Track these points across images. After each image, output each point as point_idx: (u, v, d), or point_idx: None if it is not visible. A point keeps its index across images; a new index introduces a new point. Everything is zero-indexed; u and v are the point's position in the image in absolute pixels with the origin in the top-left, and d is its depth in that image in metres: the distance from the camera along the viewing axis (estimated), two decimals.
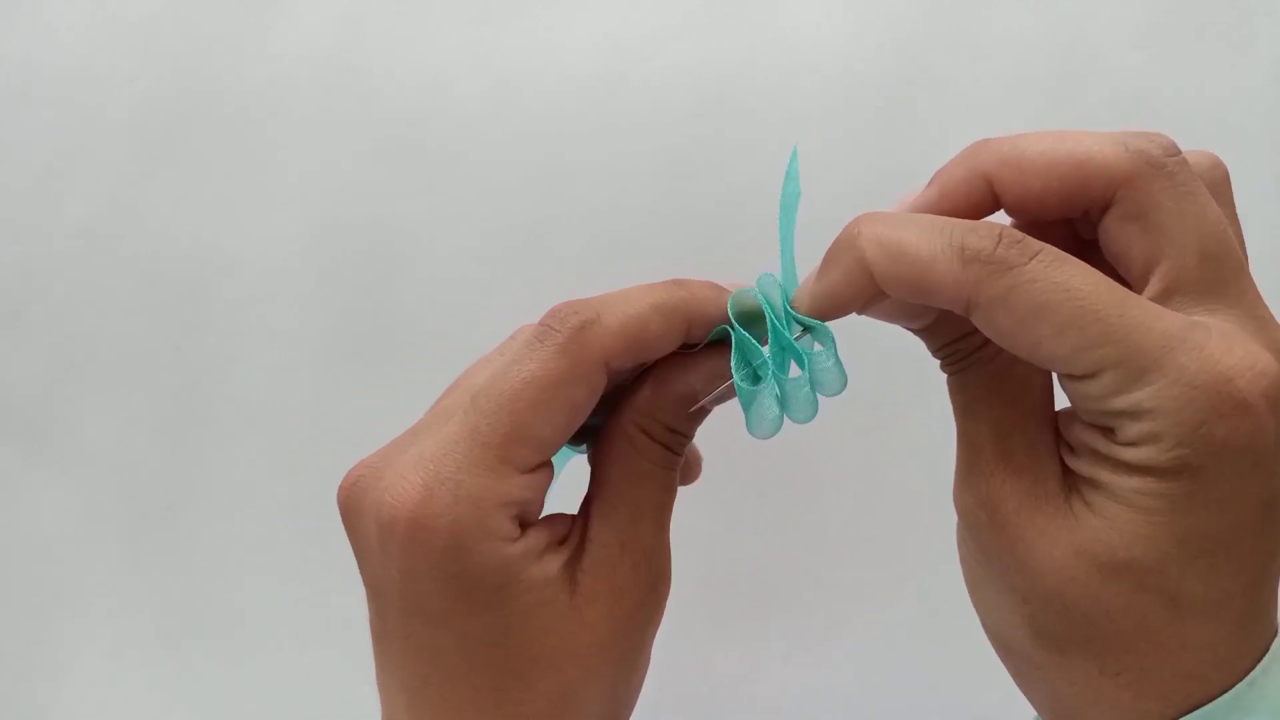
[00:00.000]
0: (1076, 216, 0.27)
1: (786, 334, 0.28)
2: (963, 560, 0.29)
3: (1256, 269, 0.30)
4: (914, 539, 0.59)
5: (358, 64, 0.61)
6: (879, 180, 0.57)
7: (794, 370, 0.29)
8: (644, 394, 0.30)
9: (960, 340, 0.27)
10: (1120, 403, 0.24)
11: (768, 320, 0.28)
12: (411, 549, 0.26)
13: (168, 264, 0.61)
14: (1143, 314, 0.24)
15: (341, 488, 0.28)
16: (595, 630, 0.28)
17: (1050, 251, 0.24)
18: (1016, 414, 0.27)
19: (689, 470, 0.34)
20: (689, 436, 0.31)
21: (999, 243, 0.24)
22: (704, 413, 0.30)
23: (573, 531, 0.29)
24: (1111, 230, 0.26)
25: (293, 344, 0.61)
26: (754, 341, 0.29)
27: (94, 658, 0.62)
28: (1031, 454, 0.26)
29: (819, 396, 0.29)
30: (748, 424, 0.29)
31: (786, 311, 0.28)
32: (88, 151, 0.62)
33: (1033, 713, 0.30)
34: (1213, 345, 0.23)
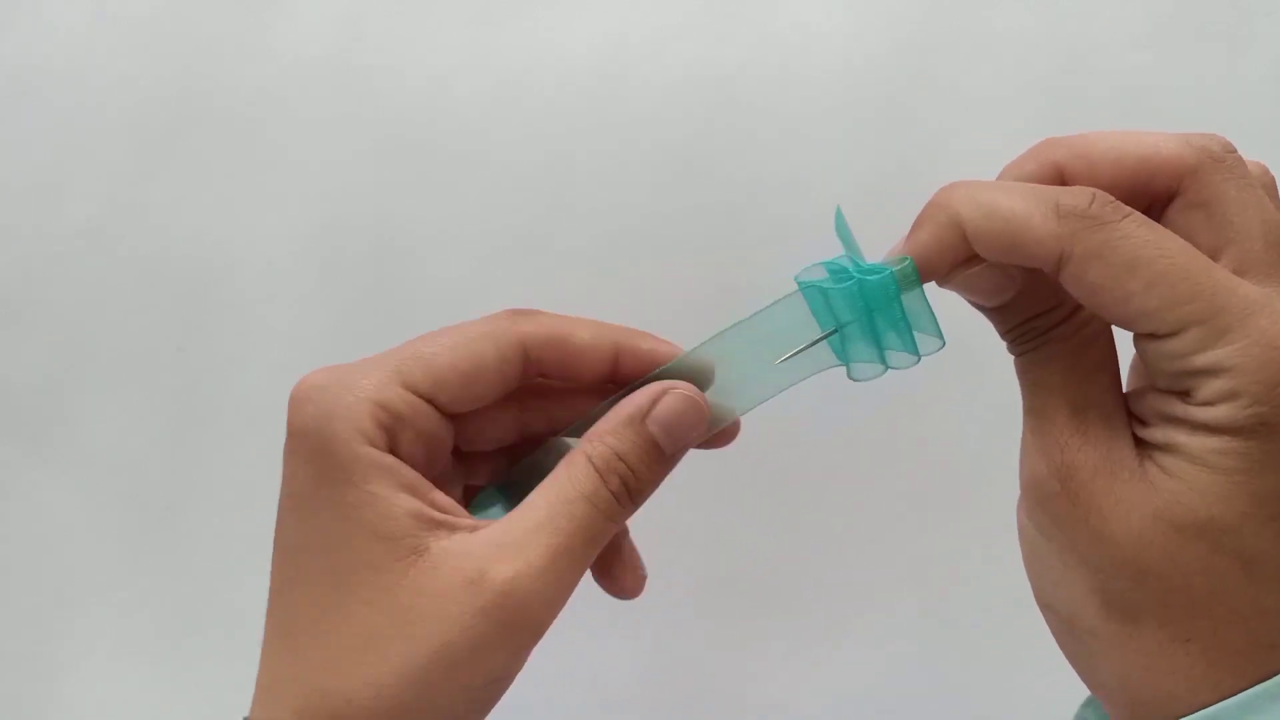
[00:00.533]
0: (1142, 209, 0.27)
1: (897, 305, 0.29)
2: (1025, 538, 0.29)
3: None
4: (915, 539, 0.59)
5: (359, 63, 0.61)
6: (880, 179, 0.57)
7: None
8: (599, 422, 0.30)
9: (1037, 318, 0.28)
10: (1202, 359, 0.25)
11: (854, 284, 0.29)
12: (295, 418, 0.29)
13: (169, 263, 0.61)
14: (1226, 278, 0.25)
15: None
16: (422, 605, 0.27)
17: (1140, 215, 0.26)
18: (1091, 390, 0.27)
19: (629, 582, 0.33)
20: (636, 474, 0.30)
21: (1093, 201, 0.26)
22: (660, 453, 0.30)
23: (467, 520, 0.29)
24: (1177, 220, 0.27)
25: (294, 343, 0.61)
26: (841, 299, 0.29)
27: (95, 656, 0.62)
28: (1107, 426, 0.27)
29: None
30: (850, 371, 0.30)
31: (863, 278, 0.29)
32: (89, 151, 0.62)
33: (1044, 699, 0.30)
34: None
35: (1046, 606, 0.29)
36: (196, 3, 0.62)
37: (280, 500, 0.30)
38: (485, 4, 0.61)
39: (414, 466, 0.29)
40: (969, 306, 0.30)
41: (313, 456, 0.29)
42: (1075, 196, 0.26)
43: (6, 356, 0.62)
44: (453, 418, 0.30)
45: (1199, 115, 0.58)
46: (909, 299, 0.28)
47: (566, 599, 0.29)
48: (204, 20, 0.62)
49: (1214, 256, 0.26)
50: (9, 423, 0.62)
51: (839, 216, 0.29)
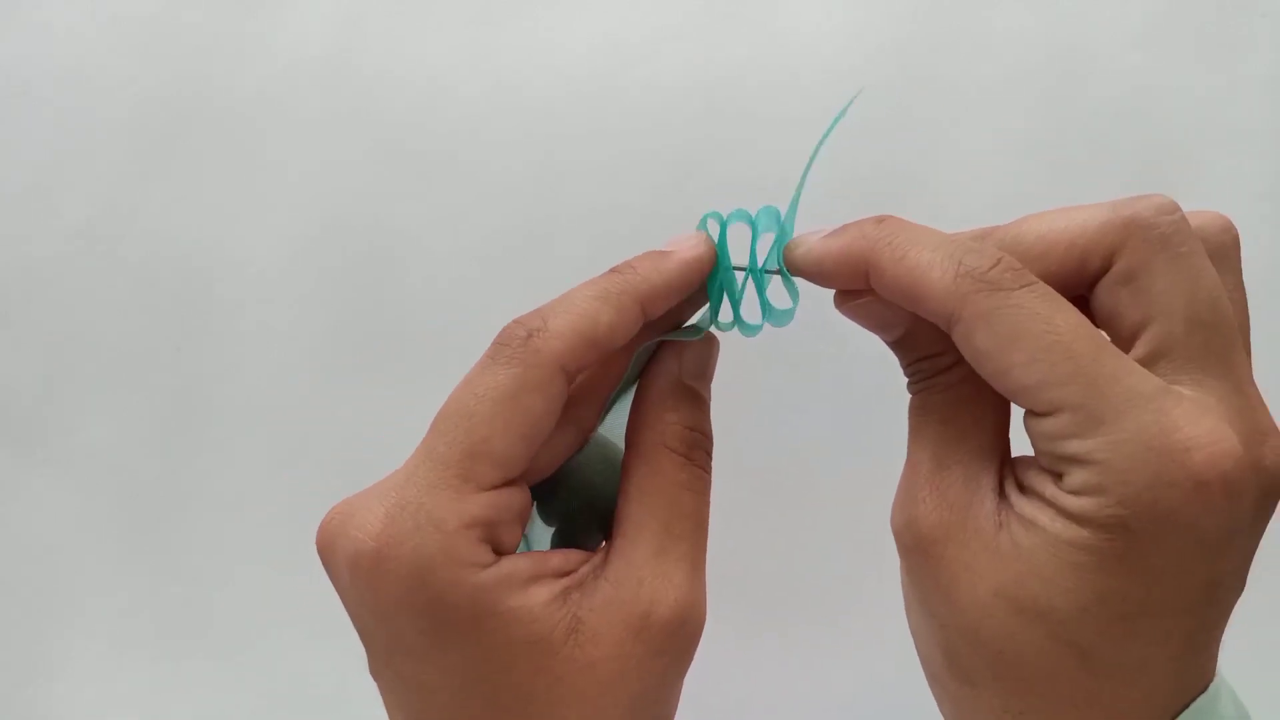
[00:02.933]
0: (1082, 291, 0.27)
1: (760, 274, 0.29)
2: (902, 581, 0.29)
3: (1257, 271, 0.29)
4: None
5: (357, 65, 0.61)
6: (879, 179, 0.57)
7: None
8: (639, 407, 0.29)
9: (924, 360, 0.28)
10: (1072, 447, 0.24)
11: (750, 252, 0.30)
12: (378, 583, 0.25)
13: (166, 265, 0.61)
14: (1116, 366, 0.24)
15: (318, 531, 0.27)
16: (599, 672, 0.26)
17: (1043, 287, 0.25)
18: (960, 449, 0.27)
19: None
20: (705, 434, 0.29)
21: (995, 265, 0.25)
22: (705, 401, 0.30)
23: (584, 567, 0.28)
24: (1103, 296, 0.26)
25: (291, 345, 0.61)
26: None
27: (91, 658, 0.62)
28: (967, 489, 0.26)
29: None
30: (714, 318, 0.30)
31: (778, 246, 0.29)
32: (86, 152, 0.62)
33: None
34: (1180, 412, 0.23)
35: (917, 649, 0.29)
36: (196, 3, 0.62)
37: (376, 648, 0.27)
38: (484, 4, 0.60)
39: (517, 538, 0.27)
40: None
41: (423, 614, 0.25)
42: (979, 258, 0.25)
43: (3, 358, 0.62)
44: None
45: (1198, 115, 0.58)
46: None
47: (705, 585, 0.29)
48: (202, 21, 0.62)
49: (1135, 336, 0.25)
50: (5, 424, 0.62)
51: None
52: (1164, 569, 0.24)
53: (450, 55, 0.60)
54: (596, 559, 0.28)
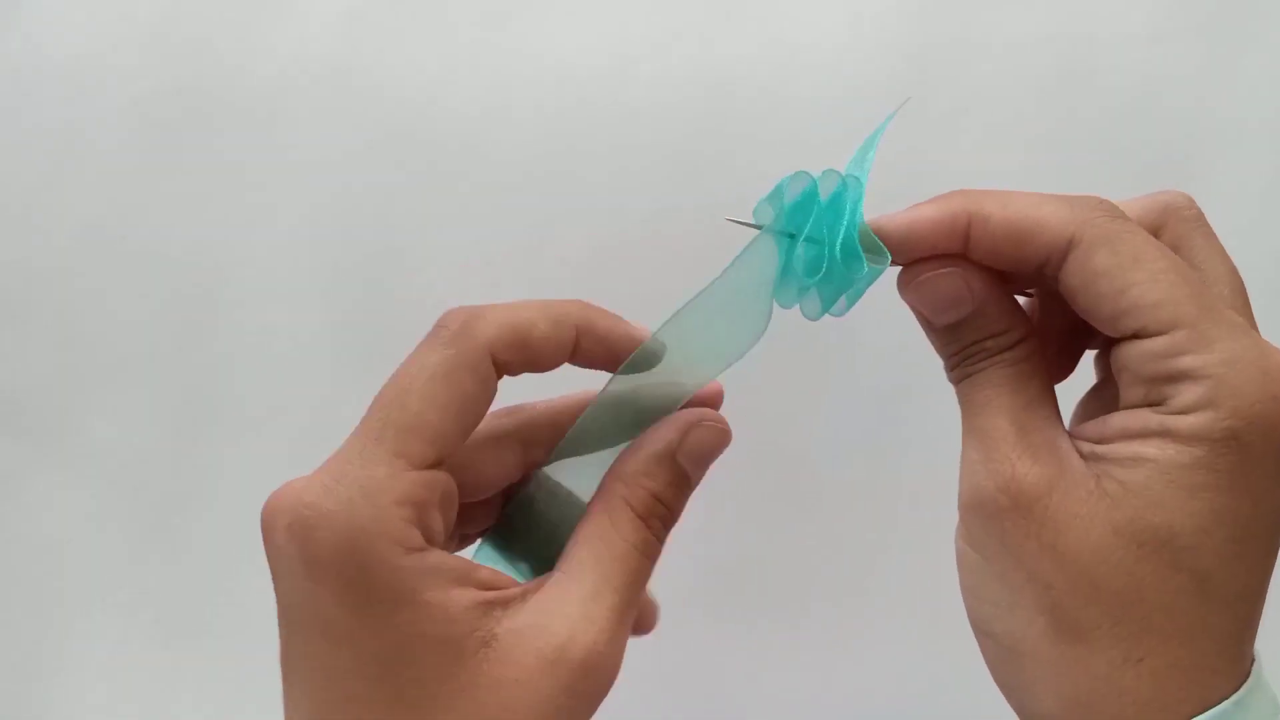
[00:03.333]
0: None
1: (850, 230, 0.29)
2: (964, 563, 0.29)
3: (1258, 269, 0.30)
4: (915, 538, 0.59)
5: (360, 64, 0.61)
6: (881, 179, 0.57)
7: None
8: (625, 459, 0.30)
9: (989, 339, 0.28)
10: (1185, 362, 0.25)
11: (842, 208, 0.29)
12: (312, 549, 0.26)
13: (172, 262, 0.61)
14: (1216, 298, 0.26)
15: (263, 507, 0.27)
16: (502, 694, 0.26)
17: (1140, 227, 0.27)
18: (1035, 417, 0.28)
19: (644, 618, 0.33)
20: (672, 511, 0.30)
21: (1102, 202, 0.27)
22: (689, 484, 0.31)
23: (513, 589, 0.28)
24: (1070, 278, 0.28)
25: (298, 342, 0.61)
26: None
27: (98, 656, 0.62)
28: (1055, 449, 0.27)
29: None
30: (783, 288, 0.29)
31: (852, 218, 0.29)
32: (91, 150, 0.62)
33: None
34: (1266, 342, 0.26)
35: (985, 633, 0.29)
36: (197, 3, 0.62)
37: (295, 626, 0.27)
38: (485, 5, 0.61)
39: (445, 544, 0.28)
40: None
41: (349, 586, 0.26)
42: (1085, 197, 0.27)
43: (8, 356, 0.62)
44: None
45: (1199, 115, 0.58)
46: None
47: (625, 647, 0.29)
48: (206, 19, 0.62)
49: (1116, 315, 0.27)
50: (11, 421, 0.62)
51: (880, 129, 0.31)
52: (1266, 488, 0.25)
53: (453, 55, 0.61)
54: (530, 585, 0.28)
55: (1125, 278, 0.26)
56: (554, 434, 0.32)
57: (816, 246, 0.29)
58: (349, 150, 0.61)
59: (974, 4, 0.59)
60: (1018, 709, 0.28)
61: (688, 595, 0.59)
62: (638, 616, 0.31)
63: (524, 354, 0.29)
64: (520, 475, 0.32)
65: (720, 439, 0.31)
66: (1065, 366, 0.32)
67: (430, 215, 0.61)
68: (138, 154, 0.62)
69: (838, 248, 0.28)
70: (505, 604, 0.27)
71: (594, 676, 0.27)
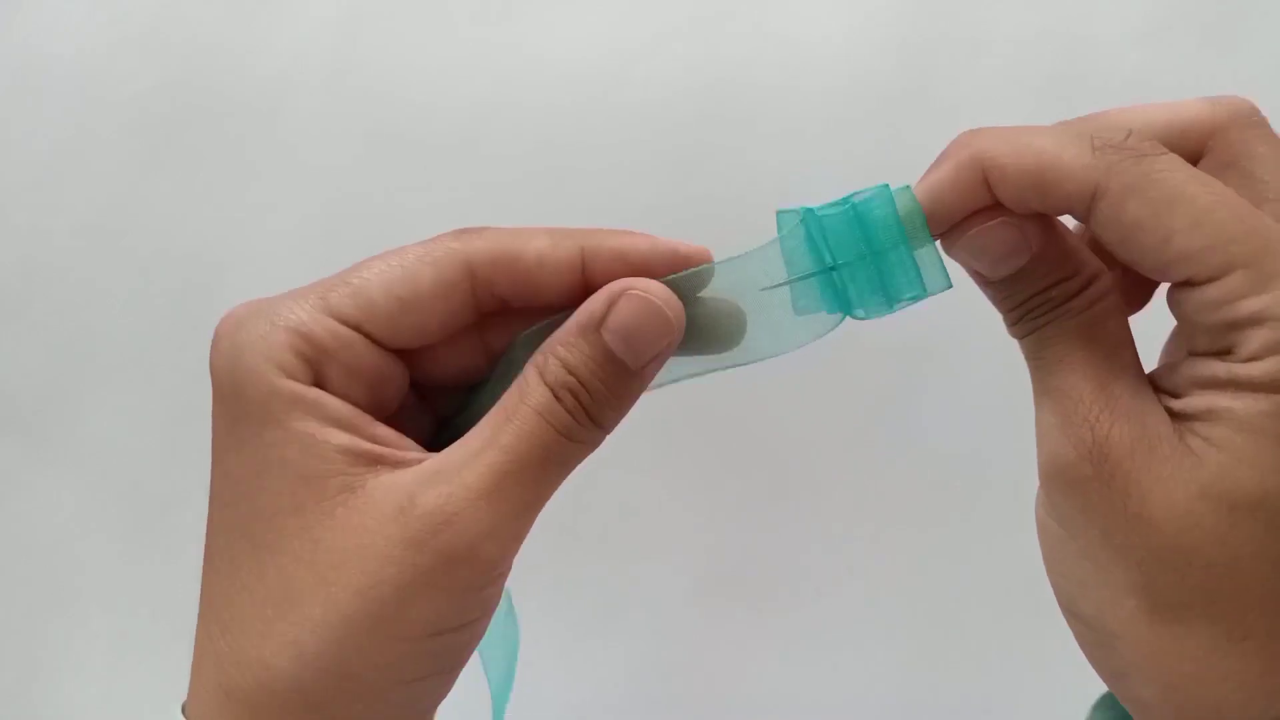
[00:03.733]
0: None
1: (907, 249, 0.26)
2: (1046, 536, 0.26)
3: None
4: (913, 538, 0.59)
5: (358, 63, 0.61)
6: (880, 178, 0.57)
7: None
8: (554, 333, 0.26)
9: (1051, 289, 0.25)
10: (1249, 305, 0.22)
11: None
12: (211, 359, 0.26)
13: (169, 261, 0.61)
14: (1273, 220, 0.23)
15: None
16: (346, 539, 0.24)
17: (1176, 157, 0.24)
18: (1115, 363, 0.25)
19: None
20: (591, 392, 0.25)
21: (1129, 135, 0.24)
22: (621, 367, 0.25)
23: (414, 453, 0.25)
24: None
25: None
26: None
27: (94, 654, 0.62)
28: (1137, 399, 0.24)
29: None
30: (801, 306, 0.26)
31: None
32: (89, 149, 0.62)
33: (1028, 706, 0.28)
34: None
35: (1073, 614, 0.26)
36: (197, 3, 0.62)
37: (211, 446, 0.26)
38: (484, 5, 0.61)
39: (353, 403, 0.25)
40: (963, 302, 0.29)
41: (228, 397, 0.25)
42: (1110, 131, 0.24)
43: (7, 354, 0.62)
44: (400, 352, 0.26)
45: None
46: (919, 252, 0.26)
47: (520, 530, 0.25)
48: (205, 19, 0.62)
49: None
50: (9, 420, 0.62)
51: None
52: None
53: (452, 54, 0.61)
54: (427, 454, 0.25)
55: (1163, 225, 0.23)
56: (525, 328, 0.28)
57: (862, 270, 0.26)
58: (347, 149, 0.61)
59: (973, 3, 0.59)
60: (1115, 691, 0.26)
61: (687, 596, 0.59)
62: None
63: (511, 273, 0.26)
64: (483, 365, 0.28)
65: (648, 310, 0.25)
66: (1138, 299, 0.28)
67: (428, 213, 0.60)
68: (136, 153, 0.62)
69: (880, 275, 0.26)
70: (394, 462, 0.25)
71: (446, 535, 0.23)
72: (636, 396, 0.26)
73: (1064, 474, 0.24)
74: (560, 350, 0.25)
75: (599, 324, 0.25)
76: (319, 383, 0.25)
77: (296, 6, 0.61)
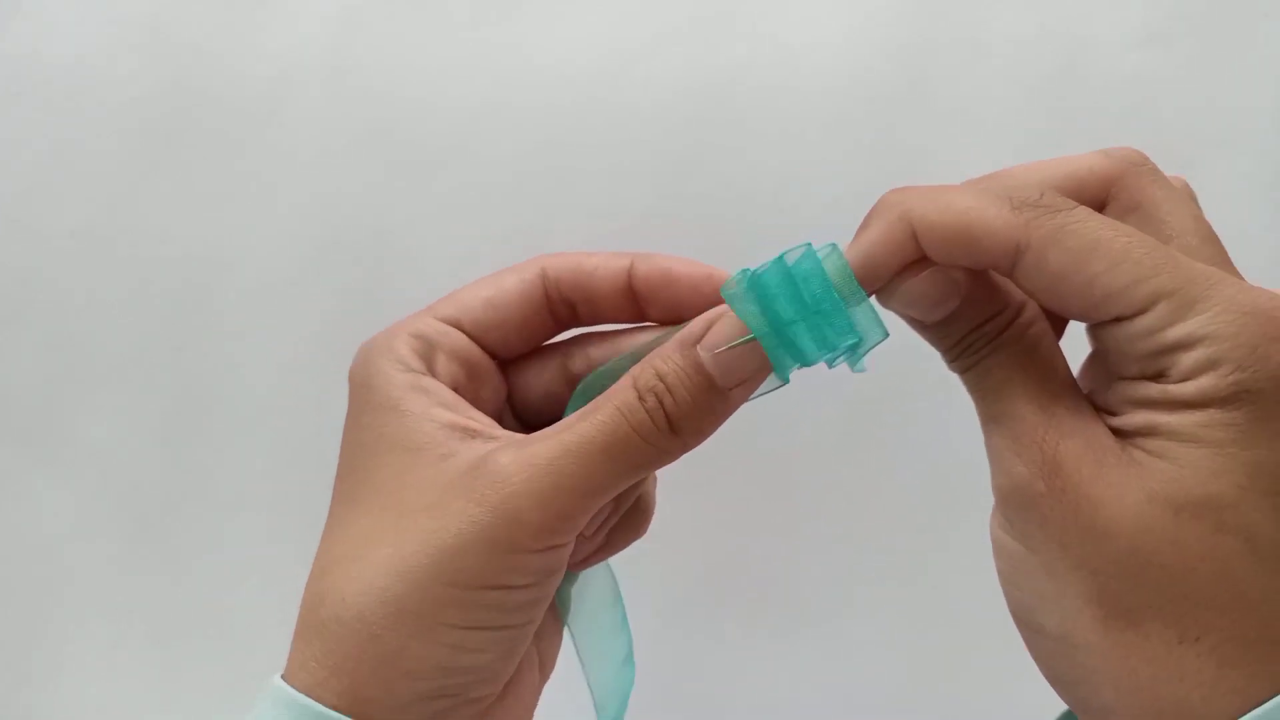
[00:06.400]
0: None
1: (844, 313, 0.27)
2: (1003, 554, 0.27)
3: (1258, 270, 0.30)
4: (911, 538, 0.59)
5: (357, 64, 0.61)
6: (881, 181, 0.57)
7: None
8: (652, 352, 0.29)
9: (985, 324, 0.27)
10: (1175, 333, 0.24)
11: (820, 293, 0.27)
12: (351, 369, 0.32)
13: (167, 264, 0.61)
14: (1183, 257, 0.25)
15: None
16: (416, 502, 0.28)
17: (1087, 208, 0.26)
18: (1052, 385, 0.26)
19: (637, 519, 0.33)
20: (676, 398, 0.28)
21: (1043, 194, 0.26)
22: (711, 384, 0.28)
23: (509, 434, 0.29)
24: None
25: (292, 344, 0.61)
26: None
27: (91, 659, 0.62)
28: (1078, 417, 0.26)
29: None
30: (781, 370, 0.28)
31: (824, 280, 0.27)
32: (86, 151, 0.62)
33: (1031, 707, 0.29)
34: (1246, 284, 0.25)
35: (1032, 627, 0.27)
36: (193, 4, 0.62)
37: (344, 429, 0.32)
38: (482, 5, 0.60)
39: (456, 389, 0.30)
40: None
41: (359, 389, 0.30)
42: (1025, 190, 0.26)
43: (3, 357, 0.62)
44: (496, 359, 0.32)
45: (1198, 116, 0.58)
46: (856, 311, 0.27)
47: (571, 508, 0.27)
48: (202, 20, 0.62)
49: None
50: (5, 423, 0.62)
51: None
52: None
53: (450, 54, 0.60)
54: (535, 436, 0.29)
55: (1085, 271, 0.24)
56: (605, 355, 0.33)
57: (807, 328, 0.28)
58: (343, 150, 0.61)
59: (971, 4, 0.59)
60: (1074, 704, 0.27)
61: (686, 596, 0.59)
62: (630, 516, 0.32)
63: (575, 275, 0.31)
64: (566, 389, 0.33)
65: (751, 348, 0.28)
66: (1058, 327, 0.30)
67: (426, 216, 0.60)
68: (131, 155, 0.62)
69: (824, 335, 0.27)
70: (489, 436, 0.29)
71: (502, 496, 0.27)
72: (719, 418, 0.28)
73: (1019, 493, 0.26)
74: (656, 361, 0.28)
75: (696, 340, 0.28)
76: (430, 370, 0.30)
77: (294, 8, 0.61)
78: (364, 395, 0.30)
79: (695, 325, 0.28)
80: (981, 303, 0.27)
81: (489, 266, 0.60)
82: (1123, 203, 0.27)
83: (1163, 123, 0.58)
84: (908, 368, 0.57)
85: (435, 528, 0.27)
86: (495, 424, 0.30)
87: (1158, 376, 0.25)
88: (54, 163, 0.62)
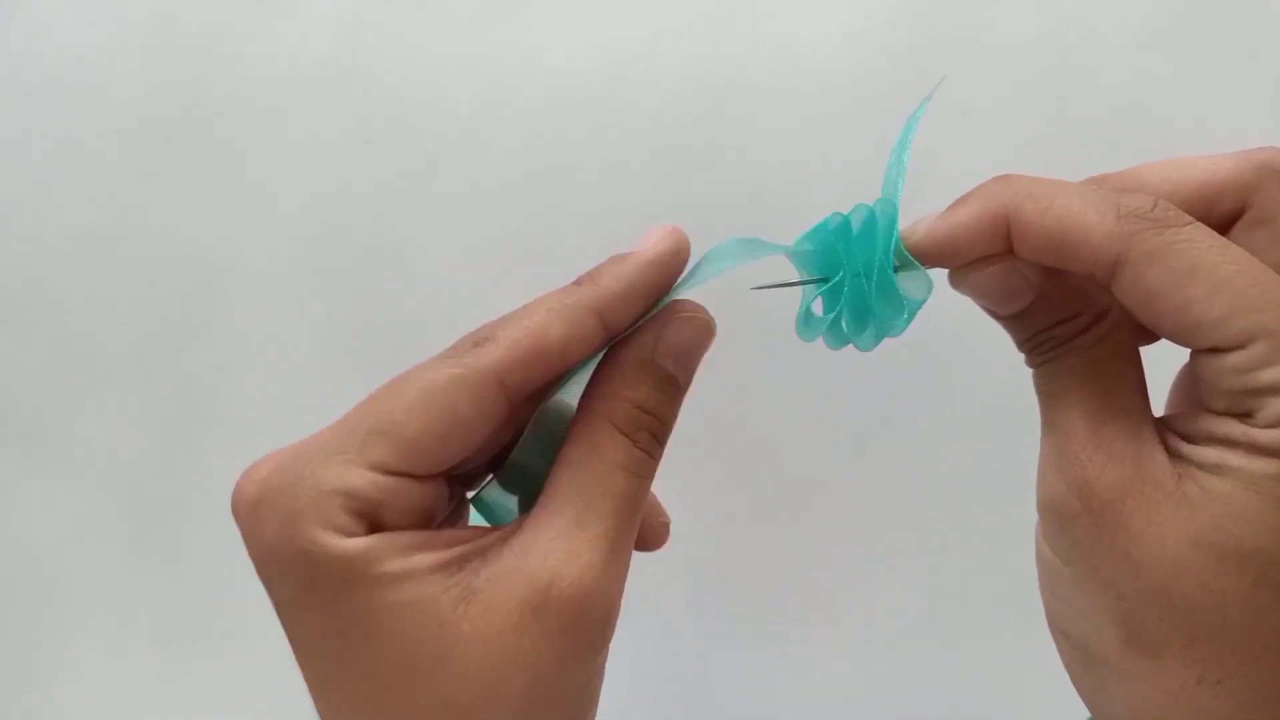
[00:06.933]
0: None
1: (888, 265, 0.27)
2: (1041, 561, 0.27)
3: None
4: (913, 540, 0.59)
5: (357, 65, 0.61)
6: (877, 179, 0.57)
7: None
8: (604, 371, 0.27)
9: (1057, 326, 0.26)
10: (1268, 376, 0.23)
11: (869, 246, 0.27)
12: (255, 529, 0.25)
13: (167, 265, 0.61)
14: None
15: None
16: (491, 647, 0.24)
17: (1205, 226, 0.24)
18: (1112, 403, 0.25)
19: (652, 533, 0.31)
20: (661, 419, 0.27)
21: (1155, 205, 0.24)
22: (676, 386, 0.27)
23: (491, 535, 0.26)
24: (1240, 239, 0.26)
25: (292, 345, 0.61)
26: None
27: (92, 659, 0.62)
28: (1133, 442, 0.25)
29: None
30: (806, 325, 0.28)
31: (887, 243, 0.27)
32: (87, 152, 0.62)
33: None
34: None
35: (1060, 632, 0.27)
36: (195, 5, 0.62)
37: (275, 607, 0.26)
38: (482, 6, 0.60)
39: (415, 528, 0.26)
40: (968, 313, 0.29)
41: (294, 562, 0.25)
42: (1136, 200, 0.24)
43: (4, 358, 0.62)
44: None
45: (1199, 117, 0.58)
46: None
47: (627, 575, 0.26)
48: (204, 21, 0.62)
49: None
50: (6, 425, 0.62)
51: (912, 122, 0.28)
52: None
53: (451, 55, 0.60)
54: (508, 528, 0.26)
55: (1182, 295, 0.23)
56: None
57: (855, 288, 0.27)
58: (344, 152, 0.61)
59: (971, 5, 0.59)
60: (1093, 709, 0.27)
61: (682, 596, 0.59)
62: (644, 535, 0.30)
63: (545, 368, 0.26)
64: (512, 438, 0.29)
65: (699, 330, 0.27)
66: (1149, 334, 0.29)
67: (426, 217, 0.60)
68: (131, 157, 0.62)
69: (873, 292, 0.27)
70: (482, 554, 0.25)
71: (588, 612, 0.25)
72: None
73: (1055, 508, 0.25)
74: (626, 392, 0.26)
75: (652, 353, 0.27)
76: (378, 526, 0.25)
77: (295, 9, 0.61)
78: (308, 570, 0.25)
79: (645, 339, 0.27)
80: (1056, 303, 0.26)
81: (489, 266, 0.60)
82: (1255, 215, 0.26)
83: (1163, 124, 0.58)
84: (911, 369, 0.57)
85: (532, 674, 0.24)
86: (465, 532, 0.26)
87: (1243, 416, 0.24)
88: (55, 164, 0.62)
